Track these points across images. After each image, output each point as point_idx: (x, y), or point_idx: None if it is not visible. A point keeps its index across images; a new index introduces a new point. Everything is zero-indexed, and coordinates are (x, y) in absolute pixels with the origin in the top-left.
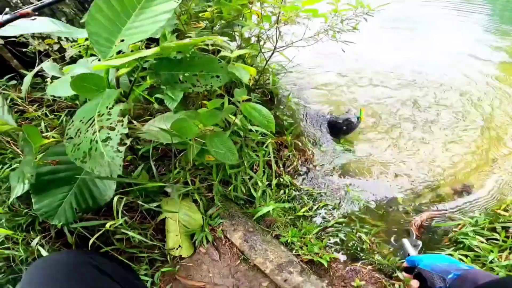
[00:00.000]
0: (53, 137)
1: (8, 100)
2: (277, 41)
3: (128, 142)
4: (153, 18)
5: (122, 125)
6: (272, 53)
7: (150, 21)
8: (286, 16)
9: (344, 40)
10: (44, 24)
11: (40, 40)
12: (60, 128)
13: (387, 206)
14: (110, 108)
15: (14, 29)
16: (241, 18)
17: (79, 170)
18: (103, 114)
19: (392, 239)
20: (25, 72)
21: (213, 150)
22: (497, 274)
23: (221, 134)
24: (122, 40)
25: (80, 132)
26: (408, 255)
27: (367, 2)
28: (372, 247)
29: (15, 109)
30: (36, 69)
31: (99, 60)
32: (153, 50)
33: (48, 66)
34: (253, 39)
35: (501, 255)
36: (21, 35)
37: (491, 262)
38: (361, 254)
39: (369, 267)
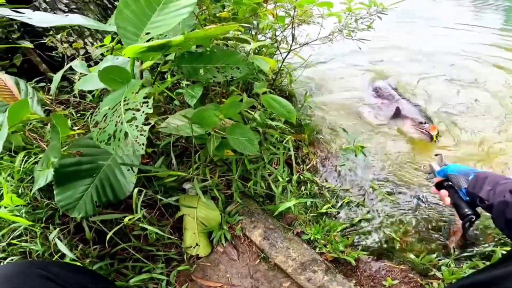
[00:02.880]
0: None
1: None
2: (293, 39)
3: (153, 122)
4: (175, 12)
5: (147, 106)
6: (288, 53)
7: (173, 15)
8: (300, 15)
9: (359, 38)
10: (77, 18)
11: (67, 45)
12: (85, 127)
13: (418, 202)
14: (136, 93)
15: (49, 20)
16: (257, 17)
17: (102, 162)
18: (129, 99)
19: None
20: (53, 75)
21: (233, 140)
22: None
23: (241, 125)
24: (148, 33)
25: (106, 118)
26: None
27: (380, 0)
28: (402, 246)
29: (43, 109)
30: (66, 67)
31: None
32: (178, 38)
33: (77, 64)
34: (268, 41)
35: None
36: (50, 40)
37: None
38: (391, 253)
39: (402, 266)
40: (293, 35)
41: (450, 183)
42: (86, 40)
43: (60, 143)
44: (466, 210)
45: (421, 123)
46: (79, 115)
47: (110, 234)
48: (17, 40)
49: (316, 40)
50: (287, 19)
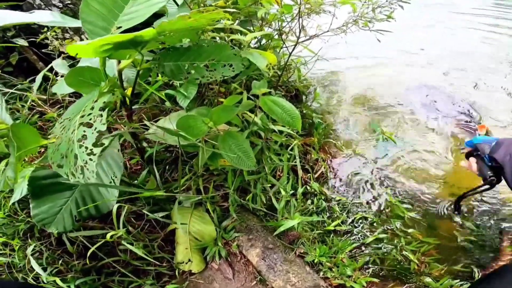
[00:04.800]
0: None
1: (29, 102)
2: (300, 31)
3: (106, 142)
4: (149, 1)
5: (100, 121)
6: (295, 46)
7: (148, 4)
8: (308, 2)
9: (377, 29)
10: (44, 15)
11: (62, 41)
12: None
13: (441, 219)
14: (94, 102)
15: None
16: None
17: None
18: (87, 109)
19: None
20: (49, 74)
21: (226, 153)
22: None
23: (235, 134)
24: (119, 27)
25: (63, 131)
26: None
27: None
28: (420, 268)
29: (35, 110)
30: (48, 67)
31: None
32: (148, 30)
33: (58, 64)
34: (274, 34)
35: None
36: (44, 37)
37: None
38: (407, 277)
39: None
40: (302, 26)
41: (478, 152)
42: (82, 36)
43: (26, 155)
44: (489, 173)
45: (466, 121)
46: None
47: (92, 249)
48: (12, 39)
49: (328, 31)
50: (295, 8)
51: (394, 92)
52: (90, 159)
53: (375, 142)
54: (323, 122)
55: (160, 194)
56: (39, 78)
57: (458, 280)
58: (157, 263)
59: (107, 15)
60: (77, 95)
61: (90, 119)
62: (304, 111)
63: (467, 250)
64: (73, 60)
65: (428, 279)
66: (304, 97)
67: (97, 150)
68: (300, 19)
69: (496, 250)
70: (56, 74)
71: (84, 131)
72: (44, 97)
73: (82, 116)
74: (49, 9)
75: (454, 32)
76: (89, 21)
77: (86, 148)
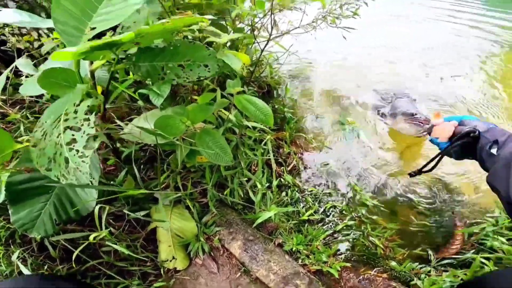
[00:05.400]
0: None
1: None
2: (272, 28)
3: (96, 145)
4: (125, 1)
5: (88, 125)
6: (267, 42)
7: (123, 5)
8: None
9: (344, 27)
10: (3, 15)
11: (19, 37)
12: None
13: (401, 206)
14: (77, 106)
15: None
16: (232, 4)
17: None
18: (70, 112)
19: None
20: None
21: (204, 150)
22: None
23: (212, 131)
24: (93, 28)
25: (46, 135)
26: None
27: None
28: (386, 252)
29: None
30: (10, 67)
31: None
32: (126, 35)
33: (22, 63)
34: (247, 29)
35: None
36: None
37: None
38: (374, 261)
39: (384, 275)
40: (274, 21)
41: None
42: (40, 31)
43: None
44: (472, 128)
45: (412, 114)
46: (33, 118)
47: (76, 252)
48: None
49: (298, 27)
50: (267, 4)
51: (359, 86)
52: (83, 161)
53: (341, 135)
54: (294, 116)
55: (141, 192)
56: (2, 79)
57: (418, 263)
58: (142, 263)
59: (80, 15)
60: (38, 96)
61: (77, 123)
62: (276, 106)
63: (424, 234)
64: (36, 59)
65: (393, 263)
66: (275, 92)
67: (88, 153)
68: (272, 15)
69: (449, 234)
70: (16, 73)
71: (73, 135)
72: (4, 97)
73: (66, 120)
74: (5, 4)
75: (418, 26)
76: (61, 21)
77: (77, 151)
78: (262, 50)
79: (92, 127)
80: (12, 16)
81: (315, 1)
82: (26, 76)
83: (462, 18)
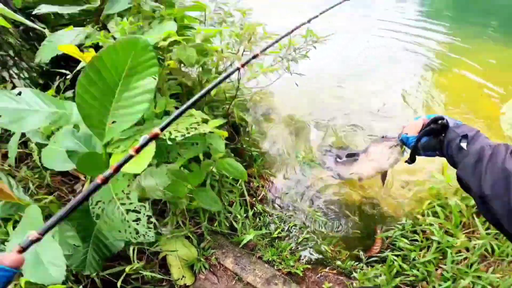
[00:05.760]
0: (52, 201)
1: None
2: (239, 81)
3: (153, 220)
4: (136, 98)
5: (145, 209)
6: (236, 92)
7: (134, 101)
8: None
9: (294, 72)
10: None
11: None
12: (48, 188)
13: (342, 220)
14: (128, 194)
15: None
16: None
17: (91, 229)
18: (123, 198)
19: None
20: None
21: (202, 202)
22: (418, 269)
23: (205, 189)
24: (114, 122)
25: (106, 212)
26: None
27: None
28: (333, 255)
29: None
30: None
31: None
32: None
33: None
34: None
35: (420, 253)
36: None
37: (413, 259)
38: (327, 262)
39: (334, 271)
40: (239, 77)
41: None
42: (11, 71)
43: None
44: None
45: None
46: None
47: (119, 282)
48: None
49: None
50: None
51: (313, 114)
52: (149, 230)
53: (298, 166)
54: (259, 152)
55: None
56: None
57: (354, 261)
58: (159, 283)
59: (100, 109)
60: None
61: (135, 208)
62: (244, 146)
63: (358, 240)
64: None
65: (339, 262)
66: (242, 129)
67: (151, 225)
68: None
69: (373, 239)
70: None
71: (137, 216)
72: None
73: (123, 204)
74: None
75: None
76: (87, 115)
77: (144, 225)
78: (234, 98)
79: (150, 211)
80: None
81: (273, 53)
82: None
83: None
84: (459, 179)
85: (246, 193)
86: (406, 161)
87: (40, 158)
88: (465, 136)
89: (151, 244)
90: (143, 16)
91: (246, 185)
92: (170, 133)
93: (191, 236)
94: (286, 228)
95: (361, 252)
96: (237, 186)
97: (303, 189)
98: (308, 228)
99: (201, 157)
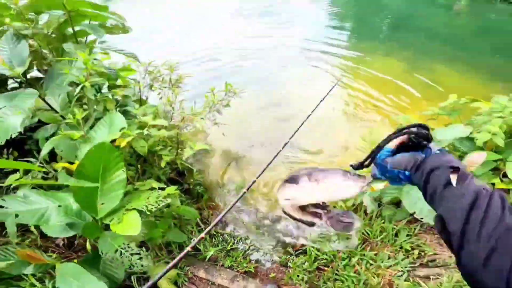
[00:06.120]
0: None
1: None
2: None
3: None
4: (114, 187)
5: (139, 258)
6: (178, 147)
7: (113, 189)
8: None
9: (219, 123)
10: None
11: None
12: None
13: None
14: (127, 245)
15: None
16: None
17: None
18: (123, 248)
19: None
20: None
21: (170, 237)
22: (327, 254)
23: (172, 228)
24: (103, 203)
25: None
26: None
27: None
28: (272, 253)
29: None
30: None
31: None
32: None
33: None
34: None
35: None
36: None
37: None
38: (269, 259)
39: (276, 264)
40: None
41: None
42: None
43: None
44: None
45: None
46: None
47: None
48: None
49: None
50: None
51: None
52: (142, 265)
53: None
54: (206, 190)
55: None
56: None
57: (287, 255)
58: None
59: (91, 196)
60: None
61: (133, 251)
62: (190, 186)
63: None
64: None
65: (276, 257)
66: (187, 172)
67: (139, 262)
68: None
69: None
70: None
71: (129, 257)
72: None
73: (126, 250)
74: None
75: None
76: (83, 203)
77: (138, 263)
78: (178, 148)
79: (147, 254)
80: None
81: (200, 123)
82: None
83: None
84: (441, 220)
85: (200, 222)
86: (351, 164)
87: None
88: (456, 169)
89: (144, 273)
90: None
91: (200, 215)
92: (147, 206)
93: (169, 260)
94: (235, 241)
95: (291, 249)
96: (193, 220)
97: (243, 212)
98: (251, 238)
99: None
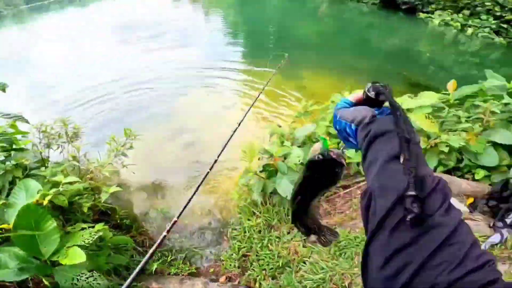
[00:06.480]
0: None
1: None
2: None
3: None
4: (50, 233)
5: (95, 278)
6: (95, 193)
7: (50, 235)
8: None
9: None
10: None
11: None
12: None
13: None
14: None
15: None
16: None
17: None
18: (78, 275)
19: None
20: None
21: (115, 261)
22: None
23: (114, 255)
24: (45, 247)
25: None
26: None
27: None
28: (204, 255)
29: None
30: None
31: None
32: None
33: None
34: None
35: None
36: None
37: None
38: (204, 259)
39: (212, 261)
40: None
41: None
42: None
43: None
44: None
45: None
46: None
47: None
48: None
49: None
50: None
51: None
52: (95, 280)
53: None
54: (133, 221)
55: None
56: None
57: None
58: None
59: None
60: None
61: (81, 277)
62: (118, 221)
63: (210, 242)
64: None
65: (211, 257)
66: (111, 210)
67: (95, 282)
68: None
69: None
70: None
71: (86, 280)
72: None
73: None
74: None
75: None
76: (26, 249)
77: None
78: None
79: (100, 275)
80: None
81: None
82: None
83: None
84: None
85: (137, 246)
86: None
87: None
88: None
89: None
90: None
91: (134, 242)
92: (84, 241)
93: (122, 281)
94: (172, 253)
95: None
96: (129, 245)
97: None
98: (185, 247)
99: None
